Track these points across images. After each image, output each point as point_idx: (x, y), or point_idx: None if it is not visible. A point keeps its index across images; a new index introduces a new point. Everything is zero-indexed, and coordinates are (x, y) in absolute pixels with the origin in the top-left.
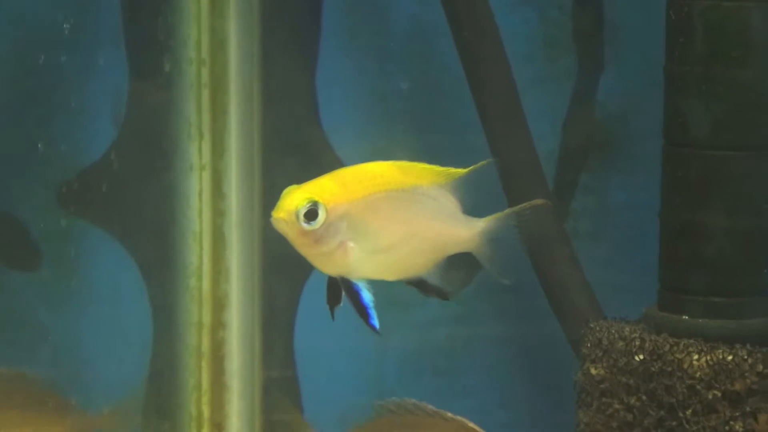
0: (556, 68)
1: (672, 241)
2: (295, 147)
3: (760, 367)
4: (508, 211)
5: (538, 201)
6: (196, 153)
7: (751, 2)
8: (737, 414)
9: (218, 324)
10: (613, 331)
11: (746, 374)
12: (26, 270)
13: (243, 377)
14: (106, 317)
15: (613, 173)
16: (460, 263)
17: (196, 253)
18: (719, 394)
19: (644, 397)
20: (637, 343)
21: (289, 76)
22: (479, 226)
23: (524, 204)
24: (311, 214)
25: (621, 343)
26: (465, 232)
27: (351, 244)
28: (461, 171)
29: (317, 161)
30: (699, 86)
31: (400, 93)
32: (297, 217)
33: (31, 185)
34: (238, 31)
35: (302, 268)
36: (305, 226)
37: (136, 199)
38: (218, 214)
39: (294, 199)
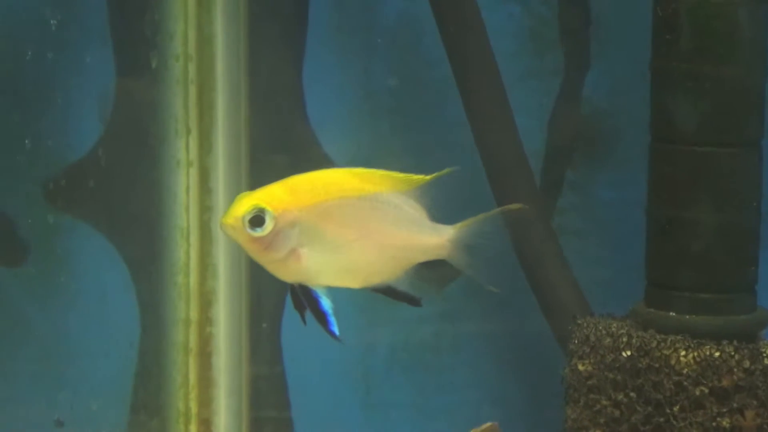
0: (542, 64)
1: (659, 238)
2: (282, 143)
3: (747, 364)
4: (480, 216)
5: (512, 206)
6: (183, 149)
7: None
8: (724, 410)
9: (205, 320)
10: (601, 328)
11: (733, 370)
12: (13, 266)
13: (230, 373)
14: (93, 313)
15: (600, 170)
16: (441, 261)
17: (184, 249)
18: (706, 391)
19: (632, 394)
20: (625, 339)
21: (276, 72)
22: (448, 233)
23: (496, 210)
24: (257, 221)
25: (608, 340)
26: (433, 239)
27: (303, 251)
28: (425, 178)
29: (304, 157)
30: (685, 83)
31: (387, 89)
32: (243, 223)
33: (18, 181)
34: (224, 27)
35: None
36: (251, 232)
37: (123, 195)
38: (205, 210)
39: (242, 205)
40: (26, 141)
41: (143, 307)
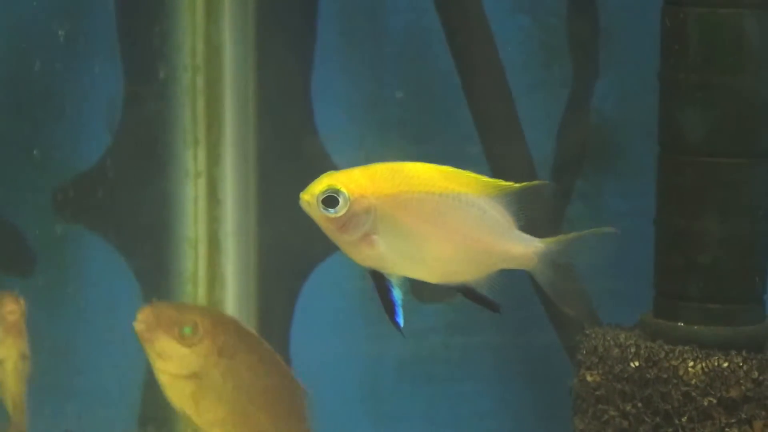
0: (551, 75)
1: (667, 248)
2: (291, 154)
3: (756, 374)
4: (571, 235)
5: (605, 229)
6: (192, 160)
7: (746, 9)
8: (733, 421)
9: None
10: (609, 338)
11: (741, 381)
12: (21, 276)
13: None
14: (101, 324)
15: (609, 180)
16: None
17: (192, 259)
18: (715, 401)
19: (640, 404)
20: (633, 349)
21: (284, 82)
22: (536, 245)
23: (588, 231)
24: (330, 201)
25: (616, 350)
26: (518, 249)
27: (377, 238)
28: (513, 185)
29: (312, 168)
30: (694, 93)
31: (395, 100)
32: (317, 201)
33: (27, 192)
34: (232, 38)
35: (298, 275)
36: (324, 212)
37: (131, 206)
38: (213, 220)
39: (320, 183)
40: (35, 151)
41: None
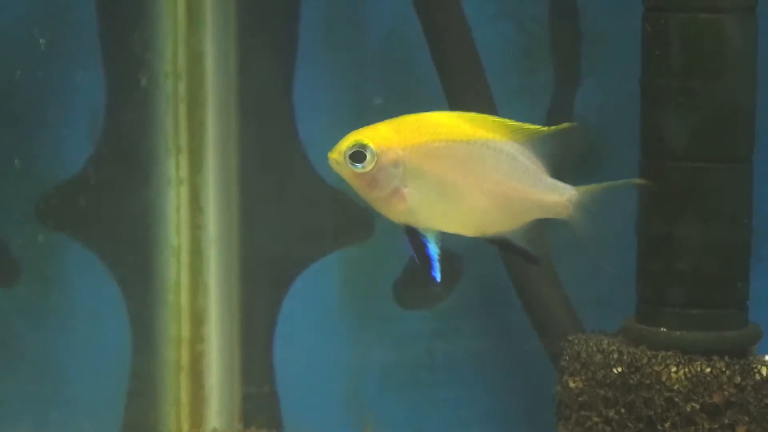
0: (533, 81)
1: (649, 254)
2: (273, 160)
3: (738, 379)
4: (605, 184)
5: (638, 180)
6: (174, 167)
7: (727, 15)
8: (715, 426)
9: (197, 338)
10: (592, 344)
11: (724, 386)
12: (5, 285)
13: (222, 392)
14: (84, 332)
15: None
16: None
17: (175, 267)
18: (697, 407)
19: (623, 410)
20: (615, 355)
21: (266, 89)
22: (571, 193)
23: (622, 181)
24: (358, 156)
25: (599, 356)
26: (552, 197)
27: (407, 191)
28: (542, 129)
29: (295, 174)
30: (675, 98)
31: (377, 107)
32: (345, 158)
33: (9, 201)
34: (214, 45)
35: (281, 282)
36: (353, 168)
37: (114, 214)
38: (196, 228)
39: (346, 140)
40: (16, 161)
41: (135, 325)
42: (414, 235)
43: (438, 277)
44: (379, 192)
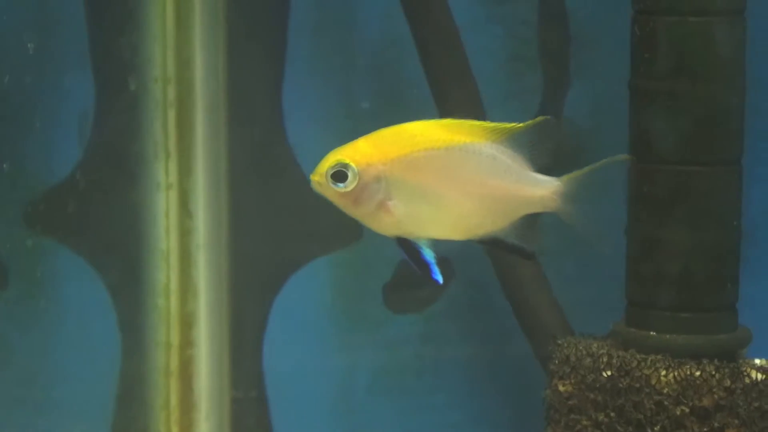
0: (522, 84)
1: (639, 257)
2: (262, 165)
3: (728, 383)
4: (586, 169)
5: (619, 157)
6: (163, 172)
7: (715, 18)
8: (705, 429)
9: (186, 343)
10: (581, 348)
11: (714, 390)
12: None
13: (211, 396)
14: (73, 337)
15: None
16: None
17: (164, 271)
18: (687, 410)
19: (612, 414)
20: (605, 359)
21: (255, 93)
22: (555, 185)
23: (604, 161)
24: (340, 176)
25: (589, 360)
26: (539, 191)
27: (392, 203)
28: (517, 126)
29: (284, 179)
30: (664, 102)
31: (367, 110)
32: (327, 178)
33: None
34: (203, 49)
35: (271, 286)
36: (335, 187)
37: (103, 219)
38: (186, 232)
39: (326, 161)
40: (4, 165)
41: (124, 330)
42: (406, 244)
43: (440, 279)
44: (364, 208)
